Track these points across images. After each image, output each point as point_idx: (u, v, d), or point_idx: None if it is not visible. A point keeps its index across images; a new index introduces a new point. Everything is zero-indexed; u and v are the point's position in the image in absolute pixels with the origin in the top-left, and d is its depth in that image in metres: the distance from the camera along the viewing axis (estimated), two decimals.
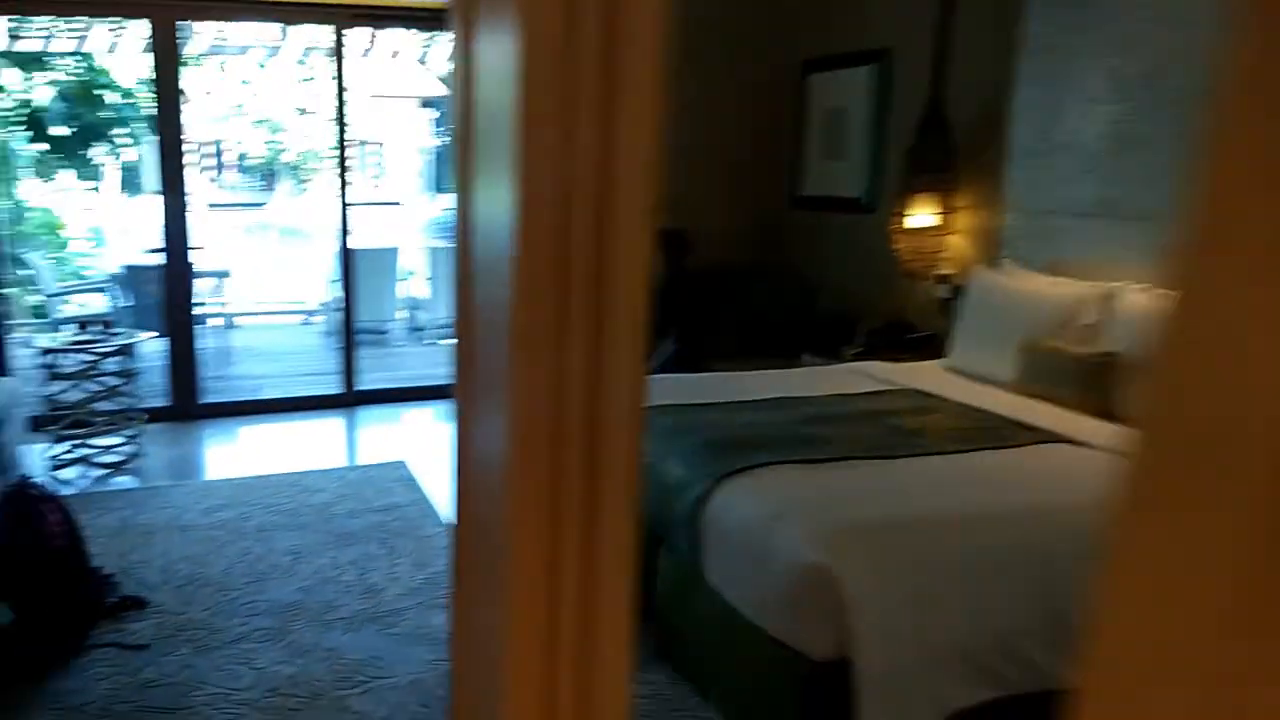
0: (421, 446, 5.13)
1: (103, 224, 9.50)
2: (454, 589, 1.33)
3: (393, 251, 7.87)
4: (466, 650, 1.21)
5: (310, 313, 8.83)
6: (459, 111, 1.03)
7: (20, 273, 6.64)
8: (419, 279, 8.49)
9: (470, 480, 1.15)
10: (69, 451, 4.64)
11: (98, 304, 7.02)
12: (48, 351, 4.58)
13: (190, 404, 5.51)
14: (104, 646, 2.98)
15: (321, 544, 3.79)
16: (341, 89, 5.58)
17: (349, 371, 5.88)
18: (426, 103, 12.88)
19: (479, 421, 1.05)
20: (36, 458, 4.61)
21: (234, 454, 5.17)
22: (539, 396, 0.87)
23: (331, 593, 3.39)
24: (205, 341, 5.90)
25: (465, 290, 1.04)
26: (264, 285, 9.37)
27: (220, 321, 7.58)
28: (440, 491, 4.47)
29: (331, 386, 5.98)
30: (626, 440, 0.87)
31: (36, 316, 6.77)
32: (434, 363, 7.35)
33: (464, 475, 1.17)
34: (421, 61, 10.13)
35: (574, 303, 0.84)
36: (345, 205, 5.75)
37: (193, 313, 5.59)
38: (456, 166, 1.05)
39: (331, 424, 5.64)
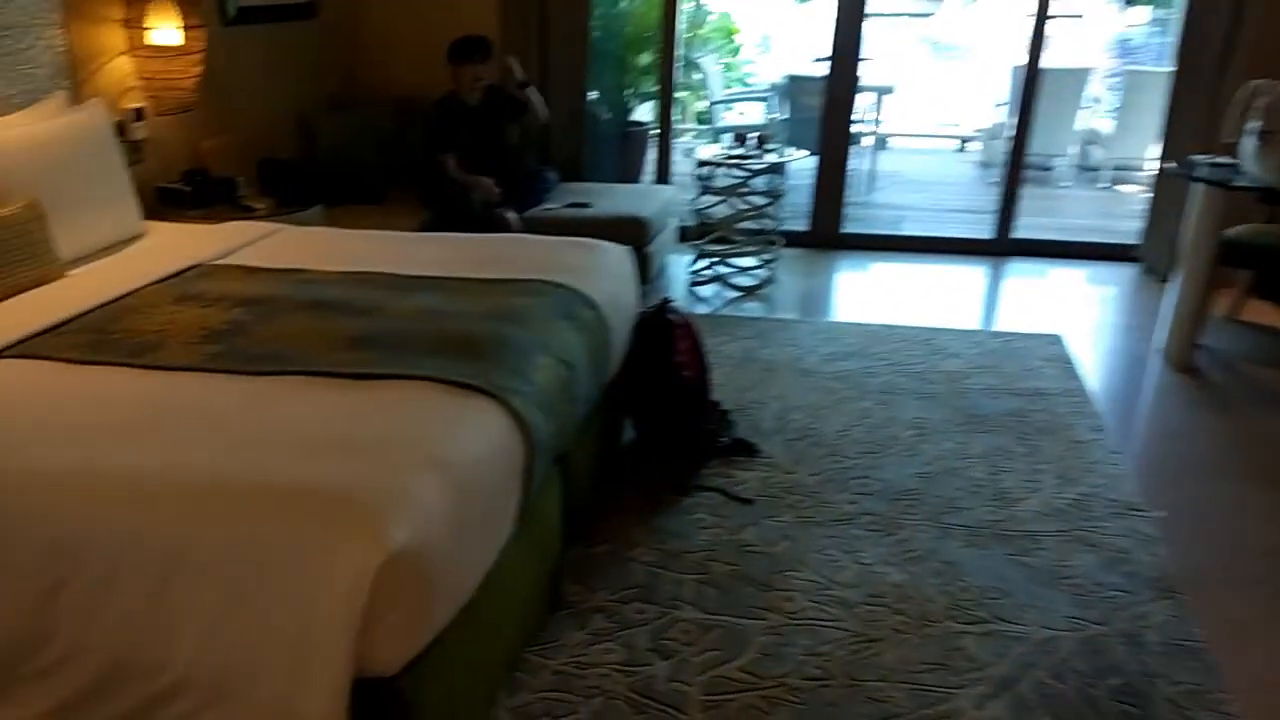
0: (1081, 319, 4.22)
1: (771, 31, 9.52)
2: None
3: (1082, 73, 6.62)
4: None
5: (965, 139, 8.02)
6: None
7: (694, 77, 6.82)
8: (1098, 109, 7.11)
9: None
10: (708, 269, 4.61)
11: (756, 115, 7.00)
12: (703, 164, 4.51)
13: (830, 232, 5.19)
14: (711, 490, 2.81)
15: (949, 422, 3.24)
16: None
17: (1006, 214, 5.06)
18: None
19: None
20: (680, 270, 4.67)
21: (865, 294, 4.73)
22: None
23: (954, 488, 2.84)
24: (854, 163, 5.46)
25: None
26: (921, 104, 8.71)
27: (871, 141, 7.15)
28: (1104, 384, 3.59)
29: (980, 229, 5.24)
30: None
31: (700, 123, 6.96)
32: (1105, 213, 6.17)
33: None
34: None
35: None
36: (1044, 16, 4.76)
37: (849, 131, 5.16)
38: None
39: (974, 273, 4.92)
